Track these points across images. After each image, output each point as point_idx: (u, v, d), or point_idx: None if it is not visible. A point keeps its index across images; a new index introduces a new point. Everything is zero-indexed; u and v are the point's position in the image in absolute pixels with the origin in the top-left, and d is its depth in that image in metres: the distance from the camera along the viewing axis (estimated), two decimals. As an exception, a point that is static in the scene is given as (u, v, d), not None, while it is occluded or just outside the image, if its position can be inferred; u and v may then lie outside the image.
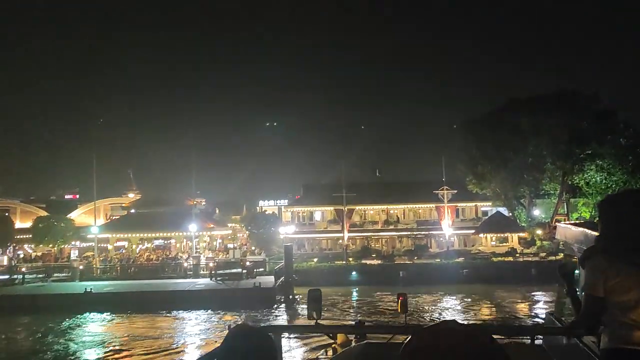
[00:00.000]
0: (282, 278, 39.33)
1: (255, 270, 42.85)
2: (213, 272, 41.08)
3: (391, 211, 65.26)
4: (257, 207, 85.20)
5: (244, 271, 41.23)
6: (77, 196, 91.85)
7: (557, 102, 55.30)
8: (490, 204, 64.72)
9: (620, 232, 2.88)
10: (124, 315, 34.21)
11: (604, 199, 3.13)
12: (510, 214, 63.22)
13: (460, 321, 2.71)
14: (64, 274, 44.39)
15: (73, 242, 51.27)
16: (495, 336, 2.54)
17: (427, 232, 58.54)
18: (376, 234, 60.84)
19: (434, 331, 2.74)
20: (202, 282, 40.09)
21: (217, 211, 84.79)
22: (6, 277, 40.89)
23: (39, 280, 42.07)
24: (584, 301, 2.97)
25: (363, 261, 49.47)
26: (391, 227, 62.98)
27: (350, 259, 50.98)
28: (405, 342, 2.69)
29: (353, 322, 14.24)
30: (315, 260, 50.79)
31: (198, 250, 49.54)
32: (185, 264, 44.33)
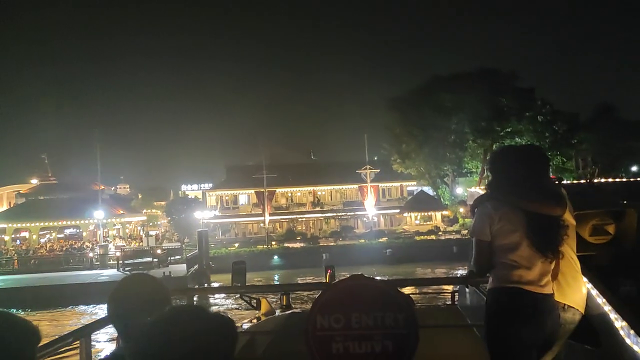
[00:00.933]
0: (195, 266, 36.83)
1: (170, 258, 40.12)
2: (121, 262, 37.91)
3: (319, 193, 63.88)
4: (180, 192, 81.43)
5: (155, 260, 38.33)
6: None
7: (478, 79, 55.37)
8: (415, 183, 64.65)
9: (505, 181, 3.17)
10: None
11: (493, 152, 3.67)
12: (435, 193, 63.36)
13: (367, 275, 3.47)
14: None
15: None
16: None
17: (352, 213, 57.43)
18: (301, 216, 59.23)
19: (343, 285, 3.50)
20: (108, 274, 36.91)
21: (140, 197, 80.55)
22: None
23: None
24: (474, 247, 3.22)
25: (286, 244, 47.62)
26: (317, 208, 61.60)
27: (274, 243, 49.06)
28: (317, 296, 3.38)
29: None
30: (237, 245, 48.48)
31: (107, 239, 45.95)
32: (91, 254, 40.82)
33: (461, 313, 5.19)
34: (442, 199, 62.20)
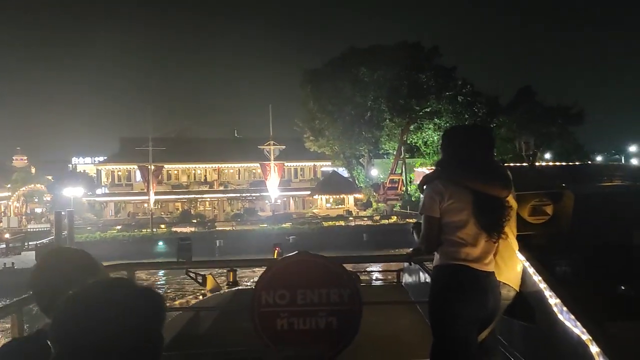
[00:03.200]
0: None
1: (27, 244, 33.23)
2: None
3: (225, 171, 58.21)
4: (70, 165, 72.60)
5: (2, 246, 31.44)
6: None
7: (398, 54, 51.43)
8: (330, 163, 60.33)
9: (455, 159, 3.18)
10: None
11: (445, 131, 3.48)
12: (349, 175, 59.36)
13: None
14: None
15: None
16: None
17: (258, 194, 52.10)
18: (201, 196, 53.28)
19: (288, 261, 3.54)
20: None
21: (33, 170, 71.41)
22: None
23: None
24: (423, 223, 3.18)
25: (175, 229, 41.68)
26: (221, 188, 55.90)
27: (163, 226, 43.00)
28: (262, 272, 3.42)
29: None
30: (119, 228, 41.95)
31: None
32: None
33: (405, 291, 5.56)
34: (356, 181, 58.29)
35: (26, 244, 33.54)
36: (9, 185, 49.68)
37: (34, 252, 32.12)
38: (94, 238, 37.94)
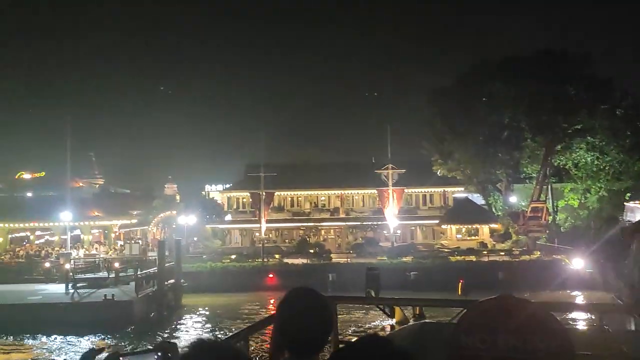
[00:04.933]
0: (153, 287, 29.10)
1: (139, 272, 32.57)
2: (71, 276, 30.77)
3: (350, 198, 55.34)
4: (204, 192, 74.70)
5: (111, 275, 30.95)
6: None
7: (540, 64, 44.97)
8: (462, 189, 54.64)
9: None
10: None
11: None
12: (484, 202, 53.15)
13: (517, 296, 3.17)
14: None
15: None
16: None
17: (379, 223, 48.13)
18: (320, 224, 50.60)
19: (491, 305, 3.22)
20: (50, 291, 29.90)
21: (178, 197, 74.95)
22: None
23: None
24: None
25: (286, 260, 39.19)
26: (343, 216, 52.90)
27: (277, 257, 40.80)
28: (462, 314, 3.34)
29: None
30: (233, 257, 40.51)
31: (79, 244, 39.29)
32: (47, 264, 34.04)
33: (617, 340, 4.87)
34: (493, 209, 51.92)
35: (140, 271, 32.97)
36: (136, 212, 50.88)
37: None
38: (204, 268, 36.70)
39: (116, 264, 31.72)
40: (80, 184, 40.42)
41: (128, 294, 28.04)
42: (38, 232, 43.44)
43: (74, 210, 37.14)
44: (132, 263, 34.63)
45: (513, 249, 42.92)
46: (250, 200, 49.99)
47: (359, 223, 50.21)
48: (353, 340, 1.92)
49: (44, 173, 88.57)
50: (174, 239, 32.25)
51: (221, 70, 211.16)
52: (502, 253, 41.13)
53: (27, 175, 50.86)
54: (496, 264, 37.68)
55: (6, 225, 38.91)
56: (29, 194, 45.89)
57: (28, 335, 24.69)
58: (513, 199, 50.84)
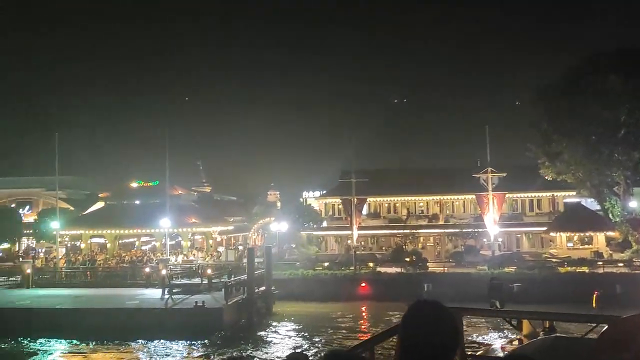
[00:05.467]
0: (242, 295, 29.13)
1: (230, 278, 32.92)
2: (167, 282, 31.73)
3: (449, 203, 52.91)
4: (301, 199, 75.26)
5: (205, 282, 31.48)
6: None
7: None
8: (574, 193, 50.23)
9: None
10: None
11: None
12: (600, 207, 48.38)
13: None
14: (13, 279, 37.29)
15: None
16: None
17: (480, 230, 45.31)
18: (417, 231, 48.61)
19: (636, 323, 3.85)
20: (147, 296, 30.97)
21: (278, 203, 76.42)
22: None
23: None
24: None
25: (379, 269, 37.88)
26: (441, 222, 50.62)
27: (371, 265, 39.62)
28: (603, 330, 3.85)
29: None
30: (326, 265, 39.94)
31: (178, 250, 40.65)
32: (147, 269, 35.44)
33: None
34: (610, 215, 47.09)
35: (231, 278, 33.33)
36: (230, 219, 52.10)
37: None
38: (295, 276, 36.43)
39: (208, 271, 32.20)
40: (180, 192, 42.09)
41: (219, 300, 28.30)
42: (144, 238, 45.63)
43: (173, 217, 38.52)
44: (226, 269, 35.17)
45: (633, 259, 38.53)
46: (342, 207, 49.35)
47: (458, 230, 47.70)
48: (479, 354, 2.35)
49: (158, 182, 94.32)
50: (266, 246, 32.14)
51: (318, 77, 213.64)
52: (621, 264, 37.01)
53: (134, 184, 53.79)
54: (613, 276, 33.87)
55: (114, 231, 41.20)
56: (137, 202, 48.42)
57: (124, 339, 25.53)
58: (633, 204, 45.82)
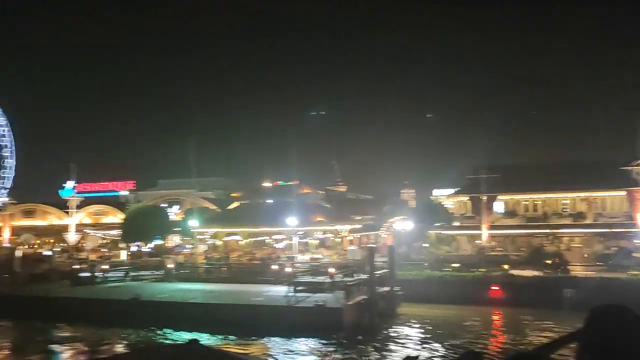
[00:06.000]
0: (363, 295, 28.53)
1: (353, 278, 32.57)
2: (293, 280, 32.22)
3: (603, 200, 47.73)
4: (430, 197, 72.92)
5: (330, 280, 31.40)
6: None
7: None
8: None
9: None
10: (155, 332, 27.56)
11: None
12: None
13: None
14: (158, 273, 40.42)
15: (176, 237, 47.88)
16: None
17: (632, 230, 40.12)
18: (558, 231, 44.38)
19: None
20: (273, 292, 31.66)
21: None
22: (87, 274, 38.19)
23: (122, 280, 38.73)
24: None
25: (513, 271, 35.04)
26: (579, 222, 45.78)
27: (505, 267, 36.86)
28: None
29: None
30: (455, 266, 37.99)
31: (305, 248, 41.22)
32: (275, 267, 36.34)
33: None
34: None
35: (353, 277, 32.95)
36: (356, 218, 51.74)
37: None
38: (419, 276, 35.02)
39: (331, 269, 32.06)
40: (308, 191, 42.88)
41: (341, 300, 28.02)
42: (275, 236, 47.14)
43: (300, 216, 39.18)
44: (351, 268, 34.88)
45: None
46: (472, 205, 46.56)
47: (607, 230, 42.77)
48: None
49: (298, 181, 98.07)
50: (389, 245, 31.30)
51: (447, 74, 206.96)
52: None
53: (268, 184, 55.92)
54: None
55: (246, 229, 43.01)
56: (269, 201, 50.19)
57: (247, 334, 26.21)
58: None
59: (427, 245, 48.48)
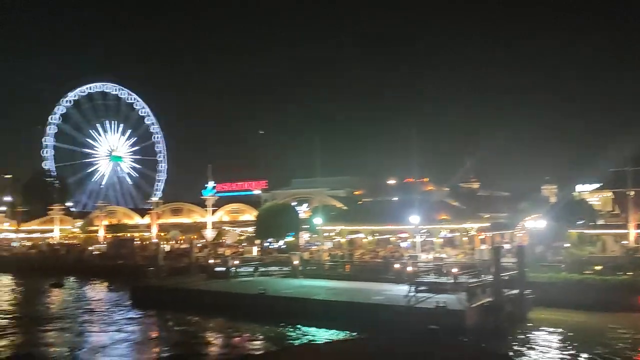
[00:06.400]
0: (488, 298, 26.88)
1: (480, 278, 30.89)
2: (414, 279, 31.37)
3: None
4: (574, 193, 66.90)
5: (453, 281, 30.10)
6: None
7: None
8: None
9: None
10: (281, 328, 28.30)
11: None
12: None
13: None
14: (286, 269, 41.73)
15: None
16: None
17: None
18: None
19: None
20: (394, 292, 31.07)
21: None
22: (222, 269, 40.46)
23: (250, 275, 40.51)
24: None
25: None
26: None
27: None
28: None
29: None
30: (598, 268, 34.34)
31: (429, 247, 39.91)
32: (397, 265, 35.64)
33: None
34: None
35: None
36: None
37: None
38: (555, 279, 32.15)
39: (454, 269, 30.66)
40: (431, 188, 41.51)
41: (463, 302, 26.68)
42: (400, 235, 46.38)
43: (423, 213, 38.08)
44: (477, 269, 33.12)
45: None
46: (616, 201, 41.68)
47: None
48: None
49: (427, 179, 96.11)
50: (519, 245, 29.18)
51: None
52: None
53: (392, 181, 55.34)
54: None
55: (368, 227, 42.82)
56: (393, 199, 49.51)
57: (364, 332, 25.91)
58: None
59: (567, 245, 44.57)
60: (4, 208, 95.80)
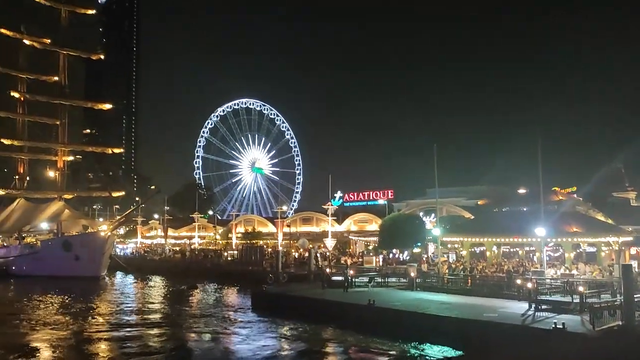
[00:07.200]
0: (617, 322, 23.73)
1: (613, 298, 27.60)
2: (534, 296, 28.95)
3: None
4: None
5: (576, 300, 27.24)
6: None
7: None
8: None
9: None
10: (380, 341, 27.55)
11: None
12: None
13: None
14: (404, 281, 40.74)
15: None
16: None
17: None
18: None
19: None
20: (511, 309, 28.81)
21: None
22: (340, 278, 40.45)
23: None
24: None
25: None
26: None
27: None
28: None
29: None
30: None
31: (558, 262, 36.31)
32: (519, 281, 32.95)
33: None
34: None
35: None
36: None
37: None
38: None
39: (580, 288, 27.61)
40: (560, 198, 37.66)
41: (587, 324, 23.89)
42: (527, 248, 43.10)
43: (551, 225, 34.96)
44: (612, 288, 29.59)
45: None
46: None
47: None
48: None
49: (575, 188, 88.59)
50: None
51: None
52: None
53: (522, 190, 51.36)
54: None
55: (490, 239, 40.26)
56: (524, 209, 46.12)
57: (473, 350, 24.30)
58: None
59: None
60: (157, 216, 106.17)
